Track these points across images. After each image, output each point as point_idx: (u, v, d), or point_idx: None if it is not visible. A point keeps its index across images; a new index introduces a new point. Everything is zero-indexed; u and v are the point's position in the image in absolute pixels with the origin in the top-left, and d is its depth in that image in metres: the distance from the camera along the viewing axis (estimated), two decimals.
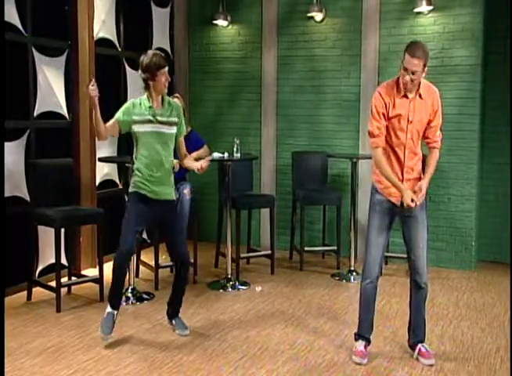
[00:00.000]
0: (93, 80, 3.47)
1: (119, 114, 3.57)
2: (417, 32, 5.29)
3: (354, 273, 4.99)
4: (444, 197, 5.32)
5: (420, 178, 3.33)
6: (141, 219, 3.60)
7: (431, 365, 3.31)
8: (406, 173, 3.28)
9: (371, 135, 3.27)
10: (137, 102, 3.59)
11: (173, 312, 3.80)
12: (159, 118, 3.56)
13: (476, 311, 4.24)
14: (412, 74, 3.13)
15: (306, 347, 3.57)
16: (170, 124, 3.59)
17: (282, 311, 4.20)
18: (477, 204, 5.35)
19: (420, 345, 3.39)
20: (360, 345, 3.41)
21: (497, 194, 5.41)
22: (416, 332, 3.44)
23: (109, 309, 3.61)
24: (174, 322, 3.79)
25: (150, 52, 3.58)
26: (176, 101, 4.89)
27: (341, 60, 5.61)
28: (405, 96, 3.22)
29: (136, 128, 3.54)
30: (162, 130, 3.56)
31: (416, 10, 5.24)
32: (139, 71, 3.57)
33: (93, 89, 3.39)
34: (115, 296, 3.64)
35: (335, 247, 5.36)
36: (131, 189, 3.63)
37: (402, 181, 3.26)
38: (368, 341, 3.45)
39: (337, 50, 5.61)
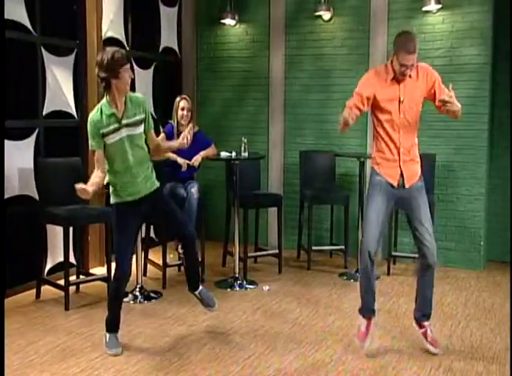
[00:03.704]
0: (78, 185, 3.12)
1: (95, 144, 3.32)
2: (426, 31, 5.27)
3: None
4: (453, 197, 5.29)
5: (416, 162, 3.41)
6: (131, 227, 3.44)
7: (438, 353, 3.40)
8: (403, 154, 3.36)
9: (347, 107, 3.32)
10: (97, 115, 3.32)
11: (194, 286, 3.72)
12: (125, 122, 3.32)
13: (485, 311, 4.22)
14: (411, 65, 3.24)
15: (314, 346, 3.56)
16: (137, 124, 3.36)
17: (289, 310, 4.20)
18: (486, 203, 5.32)
19: (427, 328, 3.46)
20: (363, 323, 3.45)
21: (506, 194, 5.38)
22: (422, 307, 3.49)
23: (109, 335, 3.47)
24: (197, 295, 3.72)
25: (109, 49, 3.31)
26: (185, 103, 4.92)
27: (349, 59, 5.59)
28: (395, 80, 3.31)
29: (105, 139, 3.32)
30: (131, 133, 3.34)
31: (424, 9, 5.21)
32: (97, 71, 3.24)
33: (83, 193, 3.15)
34: (115, 321, 3.49)
35: (343, 247, 5.35)
36: (112, 200, 3.46)
37: (399, 161, 3.35)
38: (372, 314, 3.47)
39: (345, 49, 5.59)
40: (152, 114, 3.58)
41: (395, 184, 3.37)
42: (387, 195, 3.38)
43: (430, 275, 3.47)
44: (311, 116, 5.78)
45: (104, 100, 3.34)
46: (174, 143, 3.73)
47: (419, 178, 3.43)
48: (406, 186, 3.37)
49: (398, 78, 3.30)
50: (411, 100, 3.32)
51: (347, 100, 3.36)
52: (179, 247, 4.69)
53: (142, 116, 3.39)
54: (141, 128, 3.40)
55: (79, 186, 3.13)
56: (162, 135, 4.76)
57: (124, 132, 3.33)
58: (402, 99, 3.30)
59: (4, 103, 4.05)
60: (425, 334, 3.49)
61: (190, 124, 3.62)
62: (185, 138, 3.56)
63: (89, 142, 3.36)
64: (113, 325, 3.50)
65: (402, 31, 3.37)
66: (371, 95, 3.32)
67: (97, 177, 3.32)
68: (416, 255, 5.36)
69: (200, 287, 3.74)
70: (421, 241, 3.39)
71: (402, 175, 3.36)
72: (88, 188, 3.17)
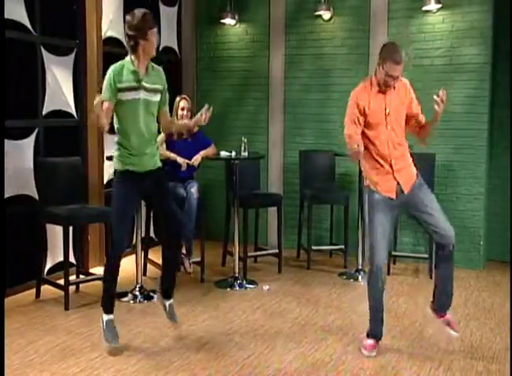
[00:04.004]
0: (97, 97, 3.11)
1: (107, 94, 3.24)
2: (426, 30, 5.27)
3: (361, 272, 4.97)
4: (452, 196, 5.29)
5: (409, 166, 3.41)
6: (131, 200, 3.41)
7: (457, 336, 3.48)
8: (395, 164, 3.35)
9: (349, 137, 3.33)
10: (119, 67, 3.27)
11: (167, 293, 3.67)
12: (145, 84, 3.29)
13: (485, 311, 4.22)
14: (397, 76, 3.25)
15: (313, 346, 3.56)
16: (155, 91, 3.36)
17: (289, 310, 4.20)
18: (486, 203, 5.32)
19: (449, 315, 3.47)
20: (371, 340, 3.46)
21: (505, 194, 5.37)
22: (445, 301, 3.47)
23: (106, 317, 3.45)
24: (167, 306, 3.67)
25: (139, 10, 3.26)
26: (184, 103, 4.93)
27: (349, 59, 5.59)
28: (381, 92, 3.32)
29: (120, 95, 3.25)
30: (147, 98, 3.32)
31: (424, 8, 5.21)
32: (126, 30, 3.26)
33: (98, 107, 3.10)
34: (110, 298, 3.48)
35: (342, 246, 5.35)
36: (115, 166, 3.40)
37: (393, 172, 3.35)
38: (381, 337, 3.49)
39: (345, 49, 5.59)
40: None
41: (394, 196, 3.36)
42: (389, 209, 3.37)
43: (450, 267, 3.40)
44: (310, 115, 5.78)
45: (128, 58, 3.32)
46: (190, 122, 3.63)
47: (416, 177, 3.42)
48: (405, 191, 3.36)
49: (382, 90, 3.31)
50: (396, 112, 3.34)
51: (345, 131, 3.35)
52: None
53: (161, 87, 3.40)
54: (157, 97, 3.39)
55: (99, 99, 3.07)
56: (162, 134, 4.75)
57: (141, 94, 3.31)
58: (388, 112, 3.32)
59: (4, 102, 4.06)
60: (448, 322, 3.48)
61: (206, 105, 3.50)
62: (203, 115, 3.46)
63: (102, 93, 3.27)
64: (108, 304, 3.47)
65: (387, 42, 3.42)
66: (362, 112, 3.32)
67: (106, 119, 3.23)
68: (416, 255, 5.39)
69: (171, 300, 3.70)
70: (436, 231, 3.33)
71: (398, 183, 3.35)
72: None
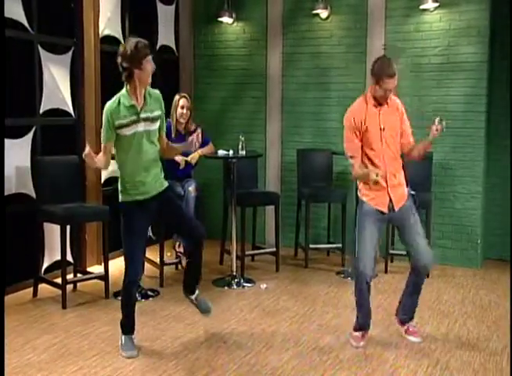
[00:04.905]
0: (87, 148, 3.18)
1: (106, 135, 3.25)
2: (423, 29, 5.27)
3: None
4: (449, 195, 5.30)
5: (403, 185, 3.50)
6: (142, 229, 3.36)
7: (420, 342, 3.55)
8: (389, 180, 3.43)
9: (350, 157, 3.46)
10: (114, 105, 3.22)
11: (192, 289, 3.67)
12: (143, 116, 3.24)
13: (482, 309, 4.23)
14: (393, 88, 3.35)
15: (311, 344, 3.57)
16: (154, 119, 3.29)
17: (287, 308, 4.21)
18: (484, 201, 5.32)
19: (409, 324, 3.62)
20: (358, 333, 3.56)
21: (505, 192, 5.38)
22: (409, 312, 3.63)
23: (125, 337, 3.43)
24: (193, 299, 3.66)
25: (133, 39, 3.19)
26: (184, 101, 4.92)
27: (347, 57, 5.59)
28: (375, 106, 3.40)
29: (120, 131, 3.22)
30: (147, 128, 3.26)
31: (421, 7, 5.22)
32: (120, 61, 3.17)
33: (88, 157, 3.20)
34: (130, 323, 3.44)
35: (340, 245, 5.35)
36: (121, 199, 3.36)
37: (387, 187, 3.42)
38: (368, 328, 3.60)
39: (343, 47, 5.59)
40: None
41: (386, 211, 3.44)
42: (379, 220, 3.46)
43: (421, 281, 3.58)
44: (308, 114, 5.78)
45: (123, 91, 3.24)
46: (181, 146, 3.58)
47: (407, 198, 3.49)
48: (396, 209, 3.44)
49: (377, 104, 3.37)
50: (391, 128, 3.41)
51: (347, 153, 3.46)
52: (177, 245, 4.67)
53: (159, 113, 3.34)
54: (157, 125, 3.33)
55: (87, 150, 3.19)
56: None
57: (141, 126, 3.25)
58: (382, 127, 3.38)
59: (4, 102, 4.05)
60: (408, 330, 3.62)
61: (198, 130, 3.49)
62: (192, 143, 3.40)
63: (102, 133, 3.26)
64: (128, 327, 3.46)
65: (377, 58, 3.47)
66: (359, 128, 3.39)
67: (101, 164, 3.32)
68: None
69: (197, 291, 3.69)
70: (415, 257, 3.47)
71: (390, 199, 3.43)
72: (94, 155, 3.23)
